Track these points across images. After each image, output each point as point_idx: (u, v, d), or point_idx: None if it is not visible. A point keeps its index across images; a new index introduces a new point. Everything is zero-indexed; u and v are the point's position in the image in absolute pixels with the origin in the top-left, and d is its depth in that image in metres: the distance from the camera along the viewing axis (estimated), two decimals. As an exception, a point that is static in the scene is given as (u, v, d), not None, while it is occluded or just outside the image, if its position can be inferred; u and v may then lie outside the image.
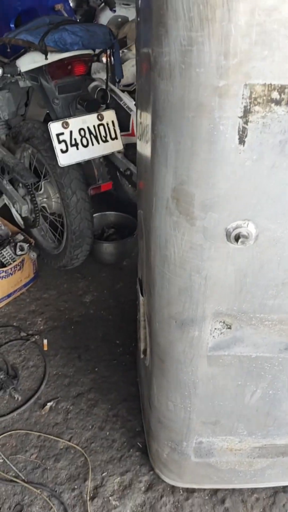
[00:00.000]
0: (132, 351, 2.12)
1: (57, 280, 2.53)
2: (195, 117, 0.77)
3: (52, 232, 2.48)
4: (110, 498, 1.59)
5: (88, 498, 1.58)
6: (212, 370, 1.17)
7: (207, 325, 1.06)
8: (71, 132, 1.82)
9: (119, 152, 2.60)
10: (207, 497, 1.59)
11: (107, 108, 2.03)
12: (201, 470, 1.50)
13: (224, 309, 1.03)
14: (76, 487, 1.62)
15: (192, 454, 1.43)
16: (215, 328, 1.08)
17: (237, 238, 0.88)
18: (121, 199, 2.98)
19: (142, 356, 1.51)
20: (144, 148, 1.11)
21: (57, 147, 1.79)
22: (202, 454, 1.43)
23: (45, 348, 2.12)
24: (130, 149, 2.64)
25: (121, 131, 2.53)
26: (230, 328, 1.08)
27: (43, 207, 2.39)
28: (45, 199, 2.35)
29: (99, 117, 1.87)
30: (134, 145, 2.79)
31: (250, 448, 1.41)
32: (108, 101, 1.95)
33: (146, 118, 1.01)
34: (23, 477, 1.64)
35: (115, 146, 1.96)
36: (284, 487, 1.61)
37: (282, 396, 1.22)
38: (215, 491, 1.60)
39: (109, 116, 1.91)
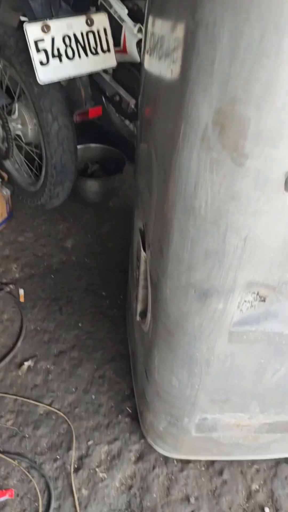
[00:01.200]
0: (120, 304, 1.90)
1: (34, 221, 2.23)
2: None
3: (28, 165, 2.14)
4: (96, 469, 1.43)
5: (72, 469, 1.41)
6: (232, 347, 0.95)
7: (236, 297, 0.83)
8: (53, 39, 1.44)
9: (106, 72, 2.22)
10: (203, 468, 1.45)
11: (98, 10, 1.64)
12: (200, 443, 1.34)
13: (261, 279, 0.79)
14: (58, 457, 1.44)
15: (193, 429, 1.26)
16: (245, 301, 0.85)
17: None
18: (106, 129, 2.63)
19: (138, 318, 1.29)
20: (157, 65, 0.81)
21: (35, 57, 1.42)
22: (204, 429, 1.26)
23: (22, 300, 1.87)
24: (119, 70, 2.26)
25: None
26: (264, 301, 0.84)
27: (17, 135, 2.03)
28: (19, 126, 1.99)
29: (88, 21, 1.49)
30: (124, 65, 2.40)
31: (260, 424, 1.24)
32: (98, 2, 1.55)
33: (162, 26, 0.71)
34: (-2, 447, 1.45)
35: (108, 61, 1.60)
36: (287, 458, 1.48)
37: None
38: (212, 462, 1.46)
39: (101, 21, 1.52)
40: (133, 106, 2.15)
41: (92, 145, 2.39)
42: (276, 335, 0.91)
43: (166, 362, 1.07)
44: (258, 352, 0.96)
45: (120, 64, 2.22)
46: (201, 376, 1.03)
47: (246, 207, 0.67)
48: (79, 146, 2.28)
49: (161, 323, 1.01)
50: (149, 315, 1.13)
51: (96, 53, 1.55)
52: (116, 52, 2.16)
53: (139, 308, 1.26)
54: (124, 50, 2.13)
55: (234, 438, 1.30)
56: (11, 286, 1.90)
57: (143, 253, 1.10)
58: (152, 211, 0.95)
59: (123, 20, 2.09)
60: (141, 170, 1.14)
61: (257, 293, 0.83)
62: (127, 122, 2.61)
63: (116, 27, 2.08)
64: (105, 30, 1.54)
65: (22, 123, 1.98)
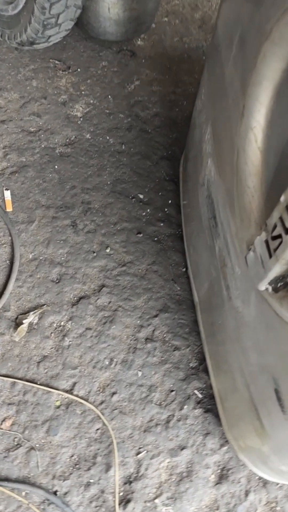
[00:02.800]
0: (170, 215, 1.18)
1: (18, 72, 1.37)
2: None
3: None
4: (156, 501, 0.88)
5: (116, 503, 0.86)
6: None
7: None
8: None
9: None
10: None
11: None
12: None
13: None
14: (92, 481, 0.89)
15: None
16: None
17: None
18: None
19: (265, 287, 0.59)
20: None
21: None
22: None
23: (9, 208, 1.14)
24: None
25: None
26: None
27: None
28: None
29: None
30: None
31: None
32: None
33: None
34: None
35: None
36: None
37: None
38: None
39: None
40: None
41: None
42: None
43: None
44: None
45: None
46: None
47: None
48: None
49: None
50: None
51: None
52: None
53: (275, 271, 0.55)
54: None
55: None
56: (-11, 185, 1.15)
57: None
58: None
59: None
60: None
61: None
62: None
63: None
64: None
65: None
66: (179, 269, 1.11)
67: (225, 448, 0.93)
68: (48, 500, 0.86)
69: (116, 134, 1.29)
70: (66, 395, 0.95)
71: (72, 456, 0.90)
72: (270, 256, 0.56)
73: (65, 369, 0.98)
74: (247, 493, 0.90)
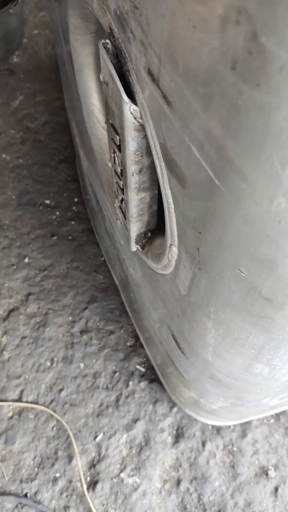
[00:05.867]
0: (79, 212, 1.23)
1: None
2: None
3: None
4: (121, 475, 0.93)
5: (84, 487, 0.90)
6: None
7: None
8: None
9: None
10: (272, 421, 0.98)
11: None
12: (276, 406, 0.83)
13: None
14: (58, 475, 0.93)
15: (273, 402, 0.73)
16: None
17: None
18: None
19: (134, 248, 0.65)
20: None
21: None
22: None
23: None
24: None
25: None
26: None
27: None
28: None
29: None
30: None
31: None
32: None
33: None
34: None
35: None
36: None
37: None
38: (278, 414, 0.99)
39: None
40: None
41: None
42: None
43: (243, 345, 0.47)
44: None
45: None
46: None
47: None
48: None
49: (233, 279, 0.38)
50: (174, 249, 0.49)
51: None
52: None
53: (134, 230, 0.61)
54: None
55: None
56: None
57: (129, 106, 0.41)
58: None
59: None
60: None
61: None
62: None
63: None
64: None
65: None
66: (98, 259, 1.17)
67: (175, 409, 0.99)
68: (20, 503, 0.89)
69: (11, 150, 1.33)
70: (16, 404, 0.98)
71: (35, 457, 0.94)
72: (126, 218, 0.62)
73: (10, 380, 1.01)
74: (204, 444, 0.96)
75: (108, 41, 0.43)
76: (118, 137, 0.48)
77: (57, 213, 1.23)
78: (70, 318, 1.08)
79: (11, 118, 1.39)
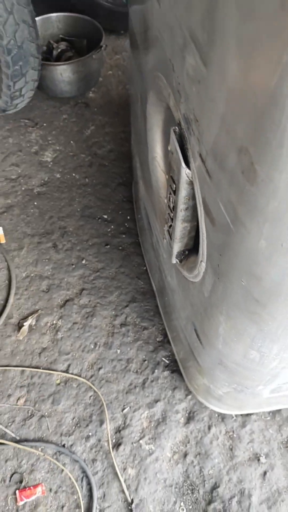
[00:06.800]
0: (129, 228, 1.49)
1: (-4, 134, 1.71)
2: None
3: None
4: (140, 441, 1.15)
5: (110, 446, 1.13)
6: None
7: None
8: None
9: None
10: (268, 418, 1.19)
11: None
12: (271, 400, 1.04)
13: None
14: (90, 434, 1.16)
15: (267, 393, 0.94)
16: None
17: None
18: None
19: (175, 261, 0.89)
20: None
21: None
22: (280, 391, 0.95)
23: (2, 241, 1.45)
24: None
25: None
26: None
27: None
28: None
29: None
30: None
31: None
32: None
33: None
34: (13, 434, 1.15)
35: None
36: None
37: None
38: (278, 409, 1.19)
39: None
40: None
41: (53, 15, 1.76)
42: None
43: (242, 335, 0.70)
44: None
45: None
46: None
47: None
48: (37, 18, 1.67)
49: (238, 287, 0.62)
50: (203, 265, 0.73)
51: None
52: None
53: (176, 248, 0.85)
54: None
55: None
56: (-15, 225, 1.47)
57: (185, 170, 0.66)
58: (213, 85, 0.50)
59: None
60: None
61: None
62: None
63: None
64: None
65: None
66: (141, 268, 1.41)
67: (189, 396, 1.21)
68: (59, 451, 1.13)
69: (80, 171, 1.61)
70: (64, 374, 1.23)
71: (73, 418, 1.18)
72: (171, 239, 0.86)
73: (61, 355, 1.26)
74: (209, 427, 1.17)
75: (177, 128, 0.68)
76: (174, 186, 0.73)
77: (112, 226, 1.49)
78: (113, 312, 1.33)
79: (83, 144, 1.67)
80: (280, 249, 0.50)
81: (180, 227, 0.79)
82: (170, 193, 0.78)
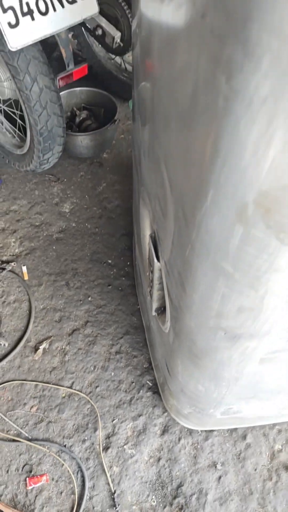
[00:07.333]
0: (128, 272, 1.83)
1: (25, 186, 2.08)
2: None
3: (9, 124, 1.93)
4: (124, 446, 1.47)
5: (101, 449, 1.46)
6: (263, 367, 0.90)
7: (272, 338, 0.76)
8: (20, -8, 1.18)
9: None
10: (227, 434, 1.50)
11: None
12: (225, 420, 1.36)
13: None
14: (86, 438, 1.48)
15: (218, 414, 1.27)
16: (281, 338, 0.78)
17: None
18: (90, 62, 2.34)
19: (154, 313, 1.23)
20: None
21: (3, 19, 1.17)
22: (229, 413, 1.27)
23: (26, 278, 1.80)
24: (99, -3, 1.94)
25: None
26: (300, 336, 0.77)
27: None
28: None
29: None
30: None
31: (284, 405, 1.25)
32: None
33: None
34: (27, 434, 1.48)
35: (88, 8, 1.33)
36: (308, 418, 1.52)
37: None
38: (235, 428, 1.51)
39: None
40: (118, 40, 1.89)
41: (77, 89, 2.14)
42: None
43: (191, 374, 1.04)
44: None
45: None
46: (228, 387, 1.00)
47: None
48: (62, 92, 2.05)
49: (185, 344, 0.95)
50: (168, 324, 1.07)
51: (74, 1, 1.28)
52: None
53: (154, 305, 1.19)
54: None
55: (258, 413, 1.32)
56: (12, 264, 1.82)
57: (156, 263, 1.01)
58: (167, 233, 0.85)
59: None
60: (144, 160, 1.01)
61: (295, 332, 0.76)
62: (112, 55, 2.31)
63: None
64: None
65: (-5, 78, 1.75)
66: (135, 307, 1.75)
67: (165, 414, 1.53)
68: (61, 450, 1.46)
69: (92, 221, 1.97)
70: (68, 389, 1.57)
71: (74, 425, 1.51)
72: (151, 298, 1.20)
73: (67, 374, 1.60)
74: (179, 439, 1.50)
75: (153, 234, 1.02)
76: (151, 268, 1.07)
77: (115, 270, 1.83)
78: (111, 342, 1.67)
79: (95, 198, 2.03)
80: (205, 326, 0.83)
81: (156, 293, 1.13)
82: (149, 271, 1.12)
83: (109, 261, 1.86)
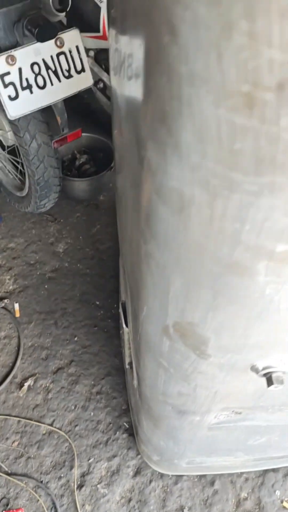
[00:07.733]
0: (114, 314, 1.93)
1: (23, 225, 2.20)
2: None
3: (11, 168, 2.06)
4: (98, 485, 1.55)
5: (75, 487, 1.54)
6: (213, 433, 0.99)
7: (212, 414, 0.85)
8: (20, 70, 1.30)
9: (87, 55, 2.06)
10: (195, 479, 1.58)
11: (69, 24, 1.47)
12: (192, 469, 1.44)
13: (236, 406, 0.81)
14: (62, 475, 1.57)
15: (183, 464, 1.35)
16: (221, 414, 0.87)
17: (268, 379, 0.61)
18: (93, 108, 2.48)
19: (127, 366, 1.33)
20: (124, 87, 0.65)
21: (3, 93, 1.30)
22: (194, 463, 1.35)
23: (17, 315, 1.91)
24: (101, 54, 2.08)
25: (89, 31, 1.95)
26: (240, 413, 0.86)
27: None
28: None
29: (58, 42, 1.34)
30: (106, 50, 2.21)
31: (245, 460, 1.33)
32: (68, 6, 1.38)
33: (127, 45, 0.58)
34: (6, 468, 1.57)
35: (83, 82, 1.46)
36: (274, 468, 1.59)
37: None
38: (203, 474, 1.58)
39: (72, 38, 1.36)
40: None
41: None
42: (253, 426, 0.95)
43: (153, 431, 1.12)
44: (238, 433, 1.01)
45: (102, 50, 2.06)
46: (185, 446, 1.09)
47: (214, 379, 0.67)
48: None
49: (145, 405, 1.04)
50: (135, 382, 1.16)
51: (70, 75, 1.41)
52: (95, 37, 1.99)
53: (127, 360, 1.29)
54: (104, 36, 1.95)
55: (223, 464, 1.40)
56: (6, 300, 1.93)
57: (125, 327, 1.11)
58: (129, 308, 0.95)
59: (101, 1, 1.89)
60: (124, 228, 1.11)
61: (233, 411, 0.85)
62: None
63: (92, 10, 1.89)
64: (77, 48, 1.39)
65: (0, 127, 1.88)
66: (118, 349, 1.84)
67: (139, 456, 1.61)
68: (38, 485, 1.55)
69: (84, 262, 2.08)
70: (49, 427, 1.66)
71: (51, 461, 1.60)
72: (124, 352, 1.29)
73: (48, 411, 1.69)
74: (150, 482, 1.57)
75: (124, 302, 1.12)
76: (122, 330, 1.17)
77: (102, 311, 1.93)
78: (92, 382, 1.76)
79: (89, 240, 2.14)
80: (156, 399, 0.93)
81: (127, 351, 1.23)
82: (121, 330, 1.22)
83: (97, 302, 1.96)
